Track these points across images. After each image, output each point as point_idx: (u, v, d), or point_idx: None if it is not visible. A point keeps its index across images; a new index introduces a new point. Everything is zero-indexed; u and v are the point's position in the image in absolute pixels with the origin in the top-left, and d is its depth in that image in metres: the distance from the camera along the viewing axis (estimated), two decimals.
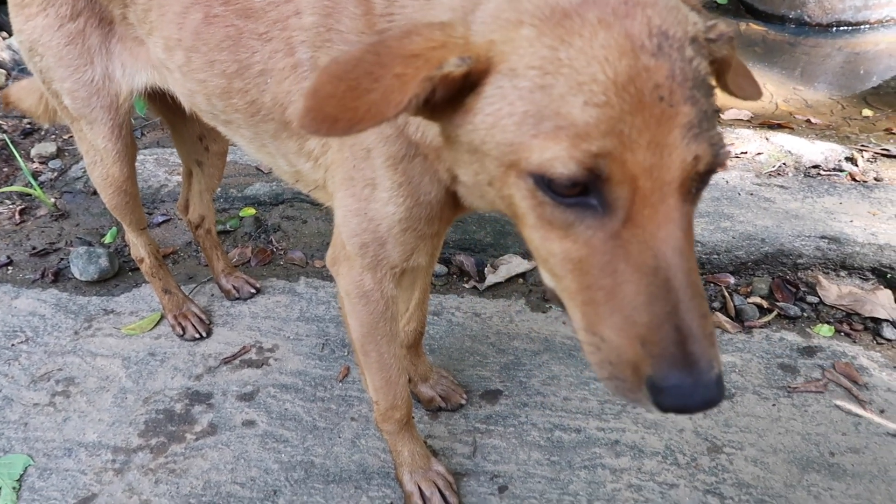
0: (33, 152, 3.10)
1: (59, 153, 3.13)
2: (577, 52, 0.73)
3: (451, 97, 0.80)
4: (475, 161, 0.84)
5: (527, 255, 2.40)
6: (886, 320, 2.08)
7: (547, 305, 2.20)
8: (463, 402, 1.85)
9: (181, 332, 2.11)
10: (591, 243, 0.76)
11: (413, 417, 1.61)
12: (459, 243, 2.43)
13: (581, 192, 0.75)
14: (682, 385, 0.71)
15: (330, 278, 2.34)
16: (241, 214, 2.66)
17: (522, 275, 2.33)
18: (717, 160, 0.76)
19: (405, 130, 1.04)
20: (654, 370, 0.72)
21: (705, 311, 0.75)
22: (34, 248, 2.53)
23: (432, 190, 1.09)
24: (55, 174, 2.97)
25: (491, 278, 2.30)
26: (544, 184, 0.75)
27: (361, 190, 1.13)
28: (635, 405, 0.77)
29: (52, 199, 2.79)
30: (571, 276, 0.79)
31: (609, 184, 0.73)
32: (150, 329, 2.16)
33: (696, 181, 0.77)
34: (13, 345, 2.10)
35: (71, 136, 3.16)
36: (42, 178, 2.94)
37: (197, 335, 2.10)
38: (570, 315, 0.83)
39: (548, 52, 0.74)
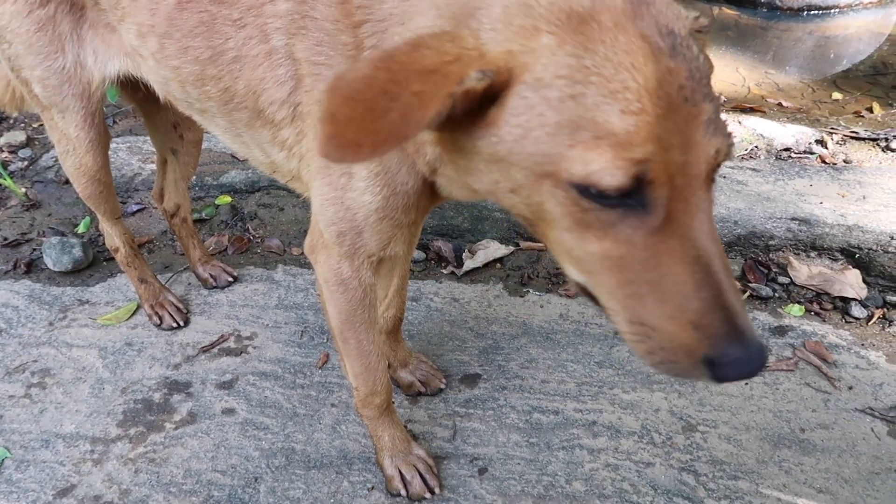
0: (2, 141, 3.04)
1: (28, 142, 3.08)
2: (603, 60, 0.74)
3: (468, 110, 0.79)
4: (496, 170, 0.84)
5: (504, 240, 2.41)
6: (854, 299, 2.13)
7: (525, 290, 2.23)
8: (442, 386, 1.87)
9: (158, 322, 2.09)
10: (632, 241, 0.80)
11: (393, 402, 1.63)
12: (437, 229, 2.44)
13: (623, 195, 0.77)
14: (740, 357, 0.78)
15: (308, 266, 2.34)
16: (216, 202, 2.64)
17: (500, 259, 2.35)
18: (730, 150, 0.82)
19: None
20: (711, 350, 0.78)
21: (737, 287, 0.82)
22: (5, 239, 2.49)
23: (409, 180, 1.10)
24: (25, 163, 2.92)
25: (469, 263, 2.31)
26: (588, 192, 0.77)
27: (338, 179, 1.13)
28: (688, 380, 0.83)
29: (23, 189, 2.74)
30: (609, 272, 0.82)
31: (651, 185, 0.76)
32: (127, 319, 2.14)
33: (715, 171, 0.82)
34: None
35: (41, 125, 3.10)
36: (12, 168, 2.89)
37: (174, 324, 2.09)
38: (608, 308, 0.86)
39: (573, 61, 0.75)
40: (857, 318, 2.09)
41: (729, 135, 0.81)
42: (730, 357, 0.77)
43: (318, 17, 1.06)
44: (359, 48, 1.02)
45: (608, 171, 0.74)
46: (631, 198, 0.77)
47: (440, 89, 0.73)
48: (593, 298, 0.89)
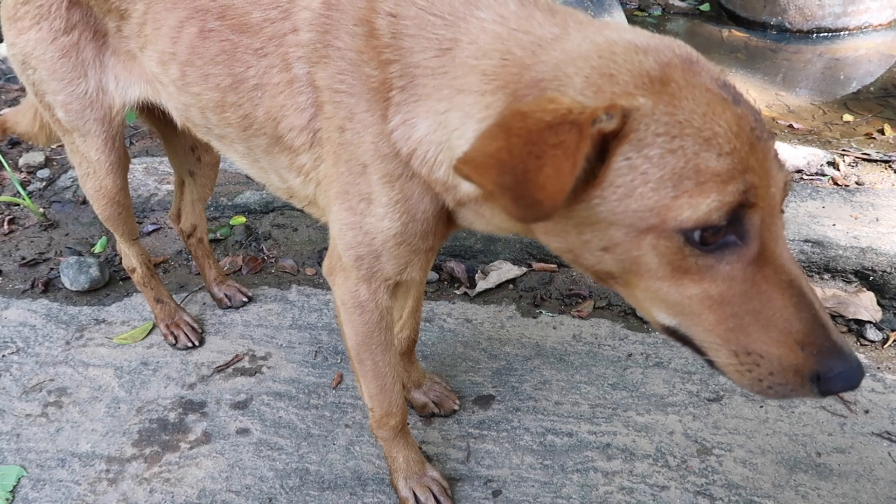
0: (21, 162, 3.09)
1: (47, 163, 3.12)
2: (691, 113, 0.81)
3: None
4: (589, 231, 0.87)
5: (517, 261, 2.42)
6: (869, 322, 2.12)
7: (537, 311, 2.23)
8: (456, 407, 1.87)
9: (174, 342, 2.11)
10: (732, 276, 0.85)
11: (407, 424, 1.63)
12: (450, 250, 2.46)
13: (724, 233, 0.83)
14: (845, 370, 0.83)
15: (322, 286, 2.35)
16: (231, 223, 2.67)
17: (513, 280, 2.36)
18: (791, 180, 0.90)
19: (402, 155, 1.06)
20: (819, 366, 0.83)
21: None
22: (23, 259, 2.52)
23: (429, 207, 1.12)
24: (44, 184, 2.96)
25: (482, 284, 2.32)
26: (693, 237, 0.82)
27: (357, 204, 1.15)
28: (793, 399, 0.90)
29: (41, 209, 2.78)
30: (710, 311, 0.86)
31: (749, 213, 0.82)
32: (143, 338, 2.16)
33: (784, 200, 0.89)
34: (4, 356, 2.10)
35: (59, 146, 3.15)
36: (31, 188, 2.93)
37: (189, 344, 2.10)
38: (707, 345, 0.89)
39: (669, 118, 0.81)
40: (872, 341, 2.08)
41: (787, 168, 0.89)
42: (836, 371, 0.82)
43: (341, 47, 1.09)
44: (385, 84, 1.05)
45: (716, 208, 0.79)
46: (732, 231, 0.83)
47: (578, 134, 0.77)
48: (683, 339, 0.92)
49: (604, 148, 0.82)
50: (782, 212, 0.89)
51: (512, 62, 0.94)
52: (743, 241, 0.84)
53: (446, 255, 2.44)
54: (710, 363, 0.90)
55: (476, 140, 0.80)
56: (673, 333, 0.93)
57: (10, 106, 3.52)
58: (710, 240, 0.82)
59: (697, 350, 0.92)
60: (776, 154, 0.87)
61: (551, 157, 0.76)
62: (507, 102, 0.91)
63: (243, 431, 1.84)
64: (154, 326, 2.18)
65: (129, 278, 2.33)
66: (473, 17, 1.00)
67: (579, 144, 0.77)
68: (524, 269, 2.39)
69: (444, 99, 0.99)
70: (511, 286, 2.35)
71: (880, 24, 4.41)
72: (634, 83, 0.83)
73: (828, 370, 0.82)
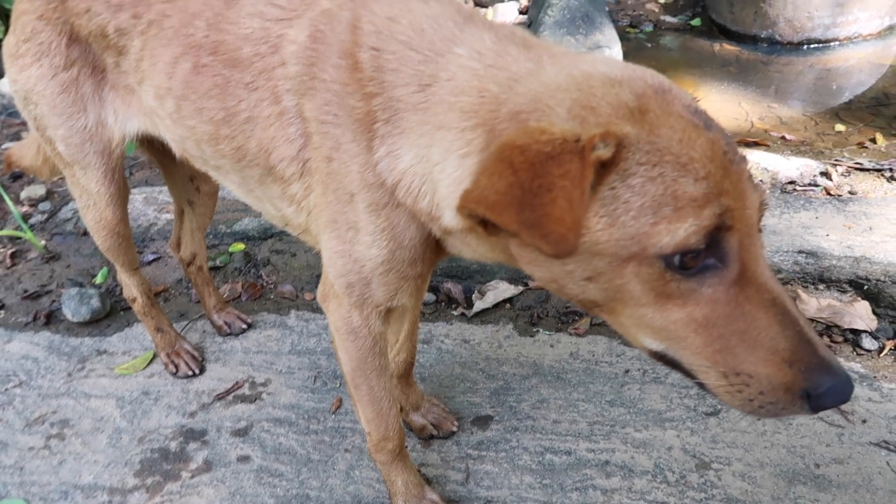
0: (23, 195, 3.13)
1: (48, 195, 3.16)
2: (668, 141, 0.82)
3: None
4: (572, 262, 0.88)
5: (513, 280, 2.44)
6: (865, 331, 2.13)
7: (535, 329, 2.25)
8: (454, 428, 1.88)
9: (174, 370, 2.13)
10: (715, 298, 0.85)
11: (406, 446, 1.64)
12: (447, 271, 2.48)
13: (703, 257, 0.84)
14: (834, 384, 0.83)
15: (320, 310, 2.37)
16: (230, 250, 2.69)
17: (509, 300, 2.37)
18: (767, 199, 0.92)
19: (388, 185, 1.08)
20: (808, 382, 0.83)
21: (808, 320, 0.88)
22: (26, 291, 2.55)
23: (416, 235, 1.14)
24: (45, 216, 3.00)
25: (479, 304, 2.34)
26: (673, 262, 0.83)
27: (345, 232, 1.17)
28: (785, 417, 0.90)
29: (43, 242, 2.81)
30: (695, 334, 0.87)
31: (727, 235, 0.83)
32: (144, 368, 2.18)
33: (761, 220, 0.91)
34: (7, 389, 2.12)
35: (60, 178, 3.19)
36: (32, 221, 2.97)
37: (190, 372, 2.12)
38: (696, 368, 0.90)
39: (650, 147, 0.82)
40: (868, 350, 2.09)
41: (762, 188, 0.91)
42: (825, 386, 0.83)
43: (326, 79, 1.12)
44: (369, 116, 1.07)
45: (694, 232, 0.81)
46: (711, 255, 0.84)
47: (581, 163, 0.78)
48: (672, 363, 0.93)
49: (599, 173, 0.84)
50: (760, 231, 0.90)
51: (489, 99, 0.96)
52: (723, 263, 0.85)
53: (443, 276, 2.46)
54: (701, 385, 0.91)
55: (480, 178, 0.80)
56: (661, 358, 0.94)
57: (12, 140, 3.58)
58: (690, 264, 0.83)
59: (687, 373, 0.92)
60: (750, 176, 0.88)
61: (561, 189, 0.77)
62: (486, 139, 0.93)
63: (244, 459, 1.85)
64: (155, 356, 2.20)
65: (129, 308, 2.35)
66: (451, 52, 1.03)
67: (584, 172, 0.78)
68: (521, 288, 2.41)
69: (425, 134, 1.01)
70: (508, 305, 2.36)
71: (870, 34, 4.45)
72: (616, 114, 0.84)
73: (817, 386, 0.83)
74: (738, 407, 0.88)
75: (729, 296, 0.85)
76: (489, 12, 5.18)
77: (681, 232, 0.80)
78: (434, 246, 1.17)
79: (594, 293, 0.90)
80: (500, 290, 2.38)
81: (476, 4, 5.38)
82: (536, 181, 0.77)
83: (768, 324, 0.84)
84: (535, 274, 0.95)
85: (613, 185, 0.83)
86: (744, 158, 0.89)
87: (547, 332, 2.23)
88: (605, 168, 0.82)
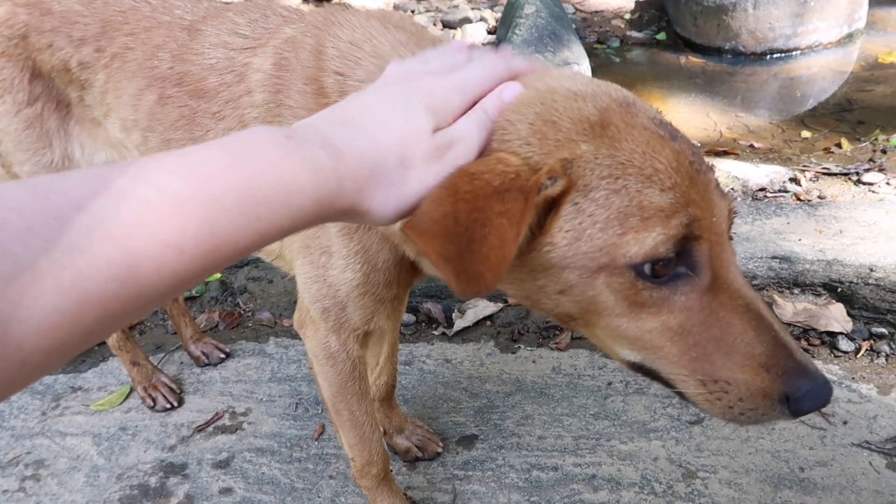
0: None
1: None
2: (631, 154, 0.83)
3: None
4: (543, 277, 0.88)
5: (493, 297, 2.44)
6: (841, 333, 2.16)
7: (516, 346, 2.24)
8: (439, 450, 1.86)
9: (152, 404, 2.09)
10: (688, 306, 0.86)
11: (391, 470, 1.62)
12: (426, 291, 2.47)
13: (674, 265, 0.84)
14: (812, 388, 0.83)
15: (299, 336, 2.35)
16: (206, 279, 2.66)
17: (490, 317, 2.37)
18: (736, 208, 0.93)
19: None
20: (786, 386, 0.83)
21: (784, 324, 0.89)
22: None
23: (390, 257, 1.13)
24: None
25: (459, 323, 2.33)
26: (643, 271, 0.83)
27: (318, 257, 1.17)
28: (766, 424, 0.88)
29: None
30: (671, 343, 0.87)
31: (696, 244, 0.84)
32: (120, 403, 2.13)
33: (731, 227, 0.91)
34: None
35: None
36: None
37: (168, 405, 2.08)
38: (674, 377, 0.90)
39: (611, 161, 0.83)
40: (845, 352, 2.11)
41: (730, 196, 0.91)
42: (803, 390, 0.82)
43: (292, 105, 1.12)
44: None
45: (662, 241, 0.81)
46: (682, 263, 0.84)
47: (524, 203, 0.77)
48: (650, 374, 0.93)
49: (551, 202, 0.84)
50: (731, 239, 0.91)
51: None
52: (693, 271, 0.85)
53: (422, 297, 2.45)
54: (681, 395, 0.91)
55: (423, 203, 0.78)
56: (640, 369, 0.94)
57: None
58: (661, 272, 0.84)
59: (666, 383, 0.92)
60: (717, 184, 0.89)
61: (497, 226, 0.76)
62: None
63: (226, 491, 1.81)
64: (132, 390, 2.16)
65: (104, 343, 2.31)
66: None
67: (524, 214, 0.77)
68: (500, 305, 2.41)
69: None
70: (489, 323, 2.36)
71: (830, 43, 4.57)
72: (576, 129, 0.85)
73: (795, 390, 0.83)
74: (718, 415, 0.88)
75: (702, 303, 0.85)
76: (458, 33, 5.23)
77: (649, 241, 0.81)
78: (409, 267, 1.16)
79: (568, 306, 0.90)
80: (480, 307, 2.38)
81: (444, 26, 5.43)
82: (474, 214, 0.76)
83: (743, 329, 0.84)
84: (508, 291, 0.95)
85: (576, 201, 0.83)
86: (710, 168, 0.89)
87: (528, 348, 2.23)
88: (566, 190, 0.82)
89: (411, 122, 0.74)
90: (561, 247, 0.84)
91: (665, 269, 0.84)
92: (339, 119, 0.72)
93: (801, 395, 0.82)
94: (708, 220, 0.85)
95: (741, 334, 0.84)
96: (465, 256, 0.75)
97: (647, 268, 0.82)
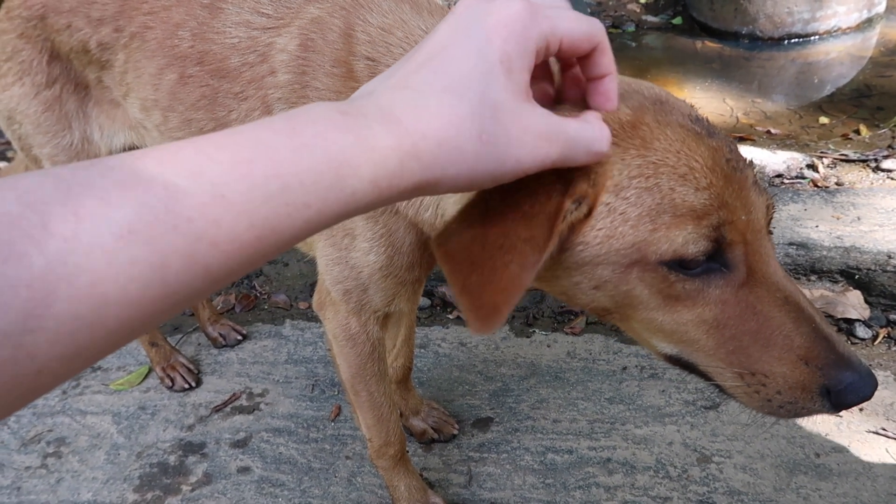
0: None
1: None
2: (664, 153, 0.82)
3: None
4: (577, 274, 0.88)
5: None
6: (858, 320, 2.15)
7: (531, 330, 2.25)
8: (455, 432, 1.88)
9: (170, 384, 2.11)
10: (723, 299, 0.85)
11: (407, 451, 1.64)
12: (440, 275, 2.47)
13: (707, 259, 0.83)
14: (855, 381, 0.81)
15: (315, 319, 2.37)
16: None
17: None
18: (773, 203, 0.91)
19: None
20: (827, 379, 0.82)
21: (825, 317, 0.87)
22: None
23: (414, 240, 1.13)
24: None
25: None
26: (676, 265, 0.82)
27: (342, 239, 1.17)
28: (807, 416, 0.88)
29: None
30: (707, 335, 0.86)
31: (729, 245, 0.83)
32: (139, 383, 2.16)
33: (770, 223, 0.90)
34: None
35: None
36: None
37: (186, 386, 2.11)
38: (711, 370, 0.89)
39: (641, 161, 0.82)
40: (862, 339, 2.10)
41: (768, 191, 0.90)
42: (845, 382, 0.81)
43: (319, 87, 1.12)
44: None
45: (692, 241, 0.80)
46: (714, 261, 0.83)
47: (549, 231, 0.75)
48: (687, 366, 0.92)
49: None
50: (770, 233, 0.90)
51: None
52: (727, 268, 0.85)
53: (437, 281, 2.46)
54: (719, 388, 0.91)
55: (456, 218, 0.76)
56: (677, 362, 0.94)
57: None
58: (693, 265, 0.83)
59: (703, 376, 0.92)
60: (755, 180, 0.88)
61: (519, 253, 0.73)
62: None
63: (244, 470, 1.84)
64: (150, 370, 2.19)
65: None
66: None
67: (548, 242, 0.75)
68: None
69: None
70: None
71: (849, 27, 4.50)
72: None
73: (836, 383, 0.82)
74: (756, 408, 0.87)
75: (739, 297, 0.85)
76: None
77: (679, 239, 0.80)
78: (431, 251, 1.16)
79: (604, 301, 0.90)
80: None
81: None
82: (500, 240, 0.73)
83: (781, 322, 0.83)
84: (545, 288, 0.94)
85: (608, 202, 0.82)
86: (748, 164, 0.88)
87: (543, 333, 2.23)
88: (594, 202, 0.81)
89: (486, 83, 0.63)
90: (594, 245, 0.83)
91: (696, 264, 0.83)
92: (404, 82, 0.63)
93: (842, 388, 0.81)
94: (743, 220, 0.84)
95: (779, 327, 0.84)
96: (487, 287, 0.72)
97: (679, 262, 0.82)
